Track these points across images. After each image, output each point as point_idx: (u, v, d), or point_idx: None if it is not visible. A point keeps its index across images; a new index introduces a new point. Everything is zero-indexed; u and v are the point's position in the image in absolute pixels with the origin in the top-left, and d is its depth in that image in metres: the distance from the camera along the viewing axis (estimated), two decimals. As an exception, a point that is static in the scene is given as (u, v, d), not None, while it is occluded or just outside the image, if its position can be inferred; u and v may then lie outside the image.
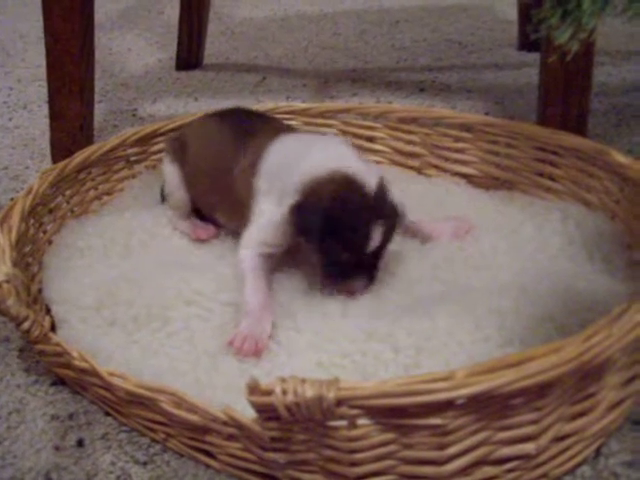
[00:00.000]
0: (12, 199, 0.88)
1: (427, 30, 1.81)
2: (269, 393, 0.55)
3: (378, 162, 1.07)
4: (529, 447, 0.59)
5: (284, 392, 0.54)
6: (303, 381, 0.54)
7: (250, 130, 0.90)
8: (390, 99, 1.42)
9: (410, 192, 0.99)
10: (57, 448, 0.69)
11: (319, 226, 0.75)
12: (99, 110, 1.36)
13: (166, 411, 0.65)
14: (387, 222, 0.78)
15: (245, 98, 1.46)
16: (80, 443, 0.70)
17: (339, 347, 0.72)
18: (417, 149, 1.06)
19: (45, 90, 1.16)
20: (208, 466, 0.66)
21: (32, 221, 0.88)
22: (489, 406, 0.56)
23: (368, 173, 0.79)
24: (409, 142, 1.06)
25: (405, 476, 0.59)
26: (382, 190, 0.79)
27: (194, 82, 1.58)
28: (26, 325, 0.72)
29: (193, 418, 0.64)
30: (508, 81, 1.48)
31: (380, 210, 0.77)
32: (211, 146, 0.93)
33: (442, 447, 0.57)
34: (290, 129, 0.95)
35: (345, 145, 0.83)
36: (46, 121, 1.21)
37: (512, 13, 1.70)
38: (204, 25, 1.62)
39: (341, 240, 0.76)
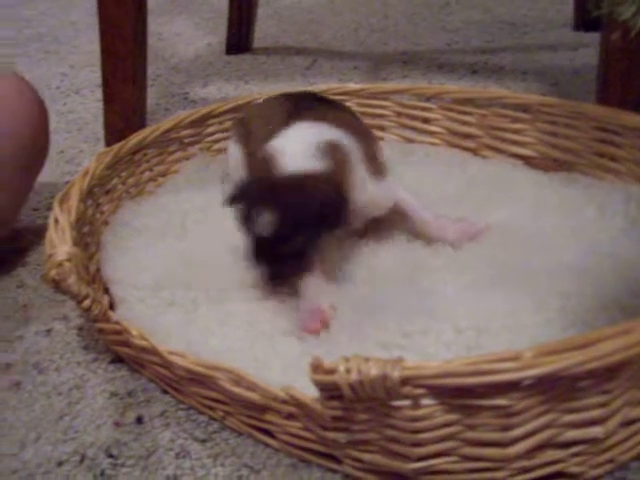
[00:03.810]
0: (68, 182, 0.89)
1: (478, 11, 1.78)
2: (332, 372, 0.54)
3: (433, 144, 1.06)
4: (596, 431, 0.57)
5: (348, 371, 0.54)
6: (367, 360, 0.53)
7: (292, 114, 0.86)
8: (442, 81, 1.40)
9: (466, 174, 0.98)
10: (117, 424, 0.70)
11: (231, 200, 0.79)
12: (151, 94, 1.36)
13: (225, 389, 0.65)
14: (283, 210, 0.72)
15: (296, 81, 1.45)
16: (139, 420, 0.70)
17: (399, 327, 0.71)
18: (473, 130, 1.04)
19: (96, 75, 1.17)
20: (267, 445, 0.66)
21: (90, 202, 0.89)
22: (556, 388, 0.55)
23: (306, 164, 0.74)
24: (465, 123, 1.04)
25: (468, 458, 0.58)
26: (298, 183, 0.73)
27: (244, 66, 1.58)
28: (87, 303, 0.73)
29: (252, 396, 0.63)
30: (564, 62, 1.44)
31: (278, 197, 0.73)
32: (263, 128, 0.92)
33: (507, 429, 0.56)
34: (337, 116, 0.87)
35: (315, 138, 0.78)
36: (98, 105, 1.22)
37: (567, -8, 1.66)
38: (253, 9, 1.62)
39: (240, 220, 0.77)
